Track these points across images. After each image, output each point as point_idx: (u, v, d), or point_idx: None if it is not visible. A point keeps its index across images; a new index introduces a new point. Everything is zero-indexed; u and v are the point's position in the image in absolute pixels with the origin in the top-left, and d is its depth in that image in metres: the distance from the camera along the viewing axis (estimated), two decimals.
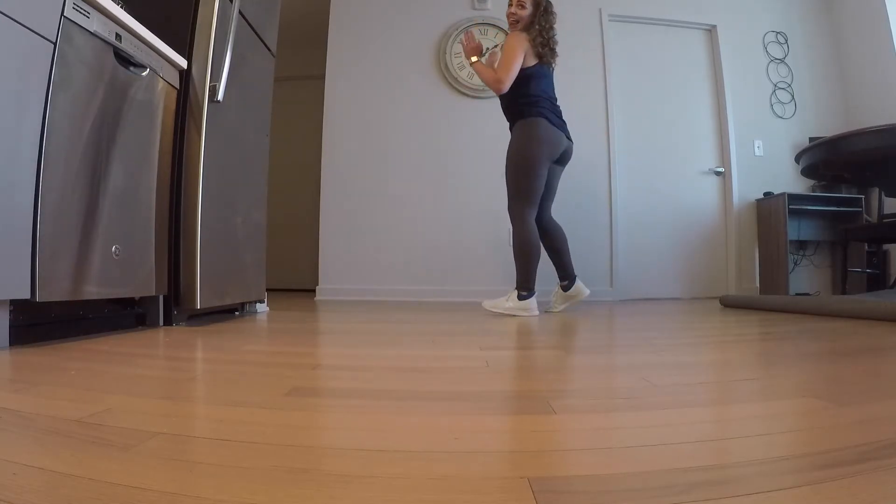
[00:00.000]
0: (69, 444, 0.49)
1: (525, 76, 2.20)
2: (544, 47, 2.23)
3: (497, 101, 2.41)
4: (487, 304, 2.21)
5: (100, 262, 1.30)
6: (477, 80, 3.21)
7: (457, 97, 3.40)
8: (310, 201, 4.06)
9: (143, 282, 1.48)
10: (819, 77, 3.77)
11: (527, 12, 2.25)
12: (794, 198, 3.31)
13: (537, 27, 2.23)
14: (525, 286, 2.16)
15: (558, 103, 2.30)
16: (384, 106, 3.43)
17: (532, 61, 2.21)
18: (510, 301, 2.16)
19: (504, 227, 3.00)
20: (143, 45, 1.45)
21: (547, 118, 2.19)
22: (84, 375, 0.82)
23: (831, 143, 2.50)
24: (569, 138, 2.29)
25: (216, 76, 1.66)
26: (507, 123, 2.34)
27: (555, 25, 2.31)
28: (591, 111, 3.44)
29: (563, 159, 2.31)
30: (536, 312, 2.15)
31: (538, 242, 2.20)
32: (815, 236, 3.48)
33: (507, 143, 2.26)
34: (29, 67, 1.08)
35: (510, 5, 2.29)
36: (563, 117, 2.30)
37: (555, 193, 2.39)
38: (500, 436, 0.55)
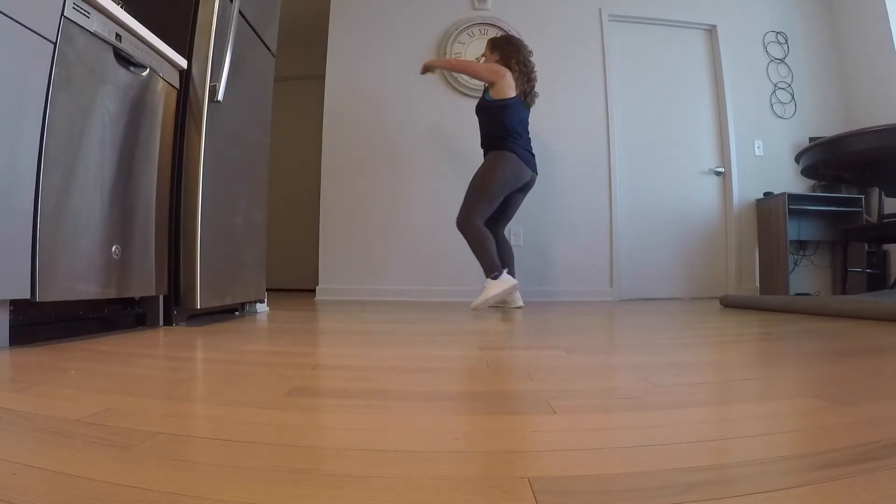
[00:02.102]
0: (69, 444, 0.49)
1: (502, 106, 2.32)
2: (528, 83, 2.36)
3: None
4: (473, 304, 2.33)
5: (100, 262, 1.30)
6: (476, 81, 3.15)
7: (457, 97, 3.39)
8: (310, 201, 4.06)
9: (143, 282, 1.48)
10: (819, 77, 3.76)
11: (495, 57, 2.45)
12: (794, 198, 3.31)
13: (516, 66, 2.38)
14: (491, 269, 2.31)
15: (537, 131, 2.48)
16: (384, 106, 3.42)
17: (511, 93, 2.34)
18: (488, 289, 2.29)
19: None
20: (143, 45, 1.45)
21: (518, 154, 2.35)
22: (84, 375, 0.82)
23: (831, 143, 2.50)
24: (535, 171, 2.47)
25: (216, 76, 1.66)
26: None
27: (531, 59, 2.46)
28: (591, 111, 3.44)
29: (524, 188, 2.51)
30: (513, 281, 2.31)
31: (487, 232, 2.35)
32: (815, 236, 3.48)
33: None
34: (29, 67, 1.08)
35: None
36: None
37: (512, 216, 2.63)
38: (500, 436, 0.55)
